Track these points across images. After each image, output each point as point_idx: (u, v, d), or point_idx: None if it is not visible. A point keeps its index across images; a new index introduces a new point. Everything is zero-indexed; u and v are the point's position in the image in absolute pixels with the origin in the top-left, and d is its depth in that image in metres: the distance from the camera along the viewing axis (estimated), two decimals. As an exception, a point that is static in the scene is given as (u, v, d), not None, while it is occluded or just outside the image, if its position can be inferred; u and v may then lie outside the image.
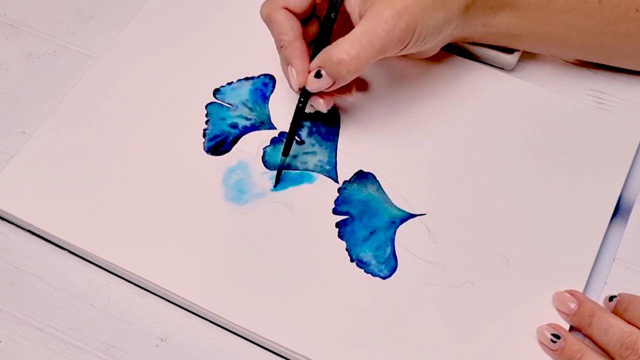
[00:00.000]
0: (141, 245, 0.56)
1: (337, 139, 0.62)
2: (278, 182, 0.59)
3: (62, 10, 0.69)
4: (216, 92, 0.64)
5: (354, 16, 0.57)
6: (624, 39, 0.61)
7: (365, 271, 0.56)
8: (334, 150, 0.61)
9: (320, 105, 0.59)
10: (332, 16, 0.58)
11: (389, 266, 0.56)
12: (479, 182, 0.60)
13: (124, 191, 0.59)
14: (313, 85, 0.57)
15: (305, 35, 0.59)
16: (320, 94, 0.58)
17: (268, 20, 0.58)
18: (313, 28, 0.60)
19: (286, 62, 0.58)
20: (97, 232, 0.57)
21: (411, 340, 0.53)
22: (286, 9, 0.57)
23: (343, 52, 0.55)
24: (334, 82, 0.57)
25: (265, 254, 0.56)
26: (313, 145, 0.61)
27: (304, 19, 0.59)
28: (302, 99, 0.59)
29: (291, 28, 0.57)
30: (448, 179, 0.60)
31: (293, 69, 0.57)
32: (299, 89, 0.58)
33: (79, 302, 0.55)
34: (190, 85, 0.64)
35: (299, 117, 0.59)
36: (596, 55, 0.64)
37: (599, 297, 0.56)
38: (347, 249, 0.57)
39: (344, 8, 0.58)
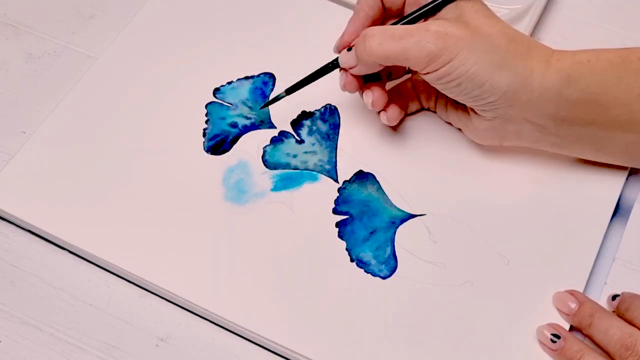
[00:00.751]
0: (141, 245, 0.56)
1: (337, 139, 0.62)
2: (266, 106, 0.61)
3: (62, 10, 0.69)
4: (216, 91, 0.64)
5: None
6: None
7: (365, 271, 0.56)
8: (334, 150, 0.61)
9: (342, 81, 0.58)
10: (412, 17, 0.57)
11: (389, 266, 0.56)
12: (479, 182, 0.60)
13: (124, 191, 0.59)
14: (342, 56, 0.57)
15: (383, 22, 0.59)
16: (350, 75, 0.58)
17: None
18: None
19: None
20: (97, 232, 0.57)
21: (411, 340, 0.53)
22: None
23: (371, 32, 0.55)
24: (357, 64, 0.56)
25: (265, 254, 0.56)
26: (313, 144, 0.61)
27: (394, 14, 0.59)
28: (334, 62, 0.58)
29: (367, 3, 0.57)
30: (448, 179, 0.60)
31: (342, 35, 0.58)
32: (337, 50, 0.58)
33: (79, 302, 0.55)
34: (190, 85, 0.64)
35: (321, 73, 0.59)
36: None
37: (599, 297, 0.56)
38: (347, 249, 0.57)
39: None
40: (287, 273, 0.56)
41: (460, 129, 0.61)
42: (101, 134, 0.61)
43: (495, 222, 0.58)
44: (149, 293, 0.56)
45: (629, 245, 0.58)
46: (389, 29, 0.55)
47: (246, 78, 0.64)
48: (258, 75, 0.65)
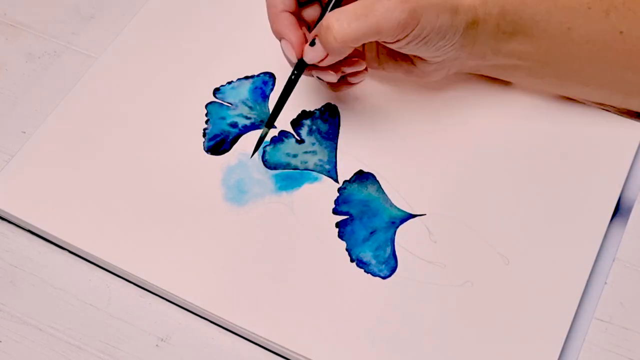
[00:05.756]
0: (141, 245, 0.56)
1: (337, 139, 0.62)
2: (255, 152, 0.59)
3: (62, 10, 0.69)
4: (216, 91, 0.64)
5: None
6: None
7: (365, 271, 0.56)
8: (334, 149, 0.61)
9: (329, 75, 0.56)
10: None
11: (389, 266, 0.56)
12: (479, 182, 0.60)
13: (124, 191, 0.59)
14: (307, 54, 0.54)
15: (302, 17, 0.57)
16: (323, 67, 0.55)
17: None
18: (313, 12, 0.57)
19: (278, 36, 0.55)
20: (97, 232, 0.57)
21: (411, 340, 0.53)
22: None
23: (334, 18, 0.52)
24: (327, 54, 0.53)
25: (265, 254, 0.56)
26: (313, 144, 0.61)
27: (304, 1, 0.56)
28: (295, 72, 0.56)
29: (282, 1, 0.55)
30: (448, 179, 0.60)
31: (288, 42, 0.55)
32: (298, 56, 0.55)
33: (79, 302, 0.56)
34: (190, 85, 0.64)
35: (290, 90, 0.56)
36: (615, 95, 0.60)
37: (599, 297, 0.56)
38: (347, 249, 0.57)
39: None
40: (287, 273, 0.56)
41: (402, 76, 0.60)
42: (101, 134, 0.61)
43: (495, 222, 0.58)
44: (149, 293, 0.56)
45: (629, 245, 0.58)
46: (348, 10, 0.52)
47: (246, 78, 0.64)
48: (258, 75, 0.65)
